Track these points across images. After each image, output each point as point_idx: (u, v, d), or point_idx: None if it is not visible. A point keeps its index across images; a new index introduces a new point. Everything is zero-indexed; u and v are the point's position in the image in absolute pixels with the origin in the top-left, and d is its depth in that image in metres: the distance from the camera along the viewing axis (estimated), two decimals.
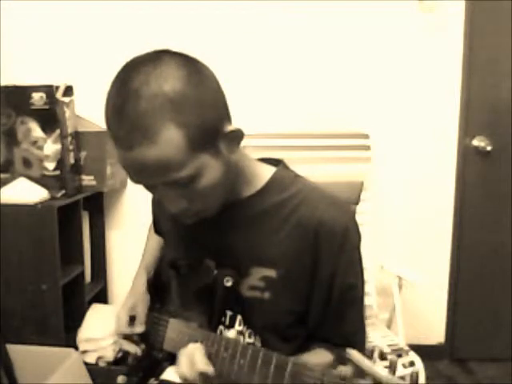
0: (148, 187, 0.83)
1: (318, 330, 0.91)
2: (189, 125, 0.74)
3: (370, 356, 1.68)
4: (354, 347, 0.88)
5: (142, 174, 0.77)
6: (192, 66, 0.78)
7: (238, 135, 0.82)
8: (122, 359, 1.15)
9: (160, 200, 0.84)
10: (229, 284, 0.88)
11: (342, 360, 0.64)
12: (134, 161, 0.75)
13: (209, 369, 0.79)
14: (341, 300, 0.89)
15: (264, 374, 0.72)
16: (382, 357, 1.77)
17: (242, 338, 0.90)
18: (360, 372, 0.61)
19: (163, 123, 0.72)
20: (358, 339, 0.93)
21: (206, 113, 0.76)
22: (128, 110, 0.72)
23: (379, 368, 0.61)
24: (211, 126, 0.77)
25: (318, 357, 0.88)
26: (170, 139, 0.73)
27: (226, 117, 0.81)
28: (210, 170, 0.79)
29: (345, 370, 0.62)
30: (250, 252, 0.90)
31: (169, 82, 0.73)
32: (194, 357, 0.80)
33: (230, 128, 0.80)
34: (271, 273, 0.88)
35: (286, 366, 0.69)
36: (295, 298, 0.89)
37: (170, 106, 0.72)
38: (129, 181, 2.64)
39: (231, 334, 0.88)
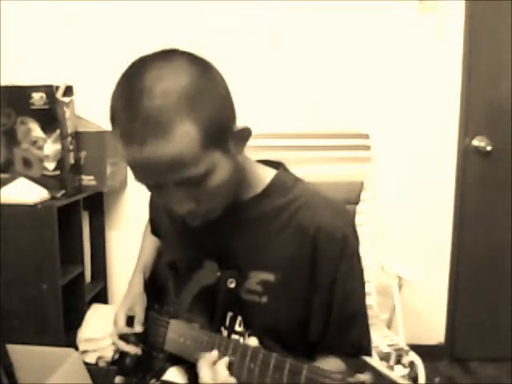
0: (154, 187, 0.80)
1: (322, 340, 0.89)
2: (203, 120, 0.73)
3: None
4: (360, 355, 0.87)
5: (153, 171, 0.74)
6: (202, 64, 0.78)
7: (246, 134, 0.82)
8: (118, 360, 1.14)
9: (167, 201, 0.81)
10: (232, 285, 0.88)
11: (360, 367, 0.62)
12: (146, 158, 0.72)
13: (232, 381, 0.77)
14: (343, 307, 0.88)
15: (277, 380, 0.70)
16: (382, 357, 1.77)
17: (241, 339, 0.90)
18: (379, 380, 0.59)
19: (179, 118, 0.71)
20: (363, 347, 0.91)
21: (218, 109, 0.76)
22: (142, 105, 0.70)
23: (398, 376, 0.60)
24: (223, 123, 0.77)
25: (330, 364, 0.86)
26: (185, 134, 0.72)
27: (234, 115, 0.81)
28: (220, 168, 0.78)
29: (364, 377, 0.60)
30: (248, 255, 0.90)
31: (182, 77, 0.73)
32: (217, 368, 0.79)
33: (238, 126, 0.80)
34: (269, 277, 0.87)
35: (300, 372, 0.67)
36: (294, 303, 0.88)
37: (185, 100, 0.71)
38: (129, 181, 2.61)
39: (252, 341, 0.85)
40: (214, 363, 0.80)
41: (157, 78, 0.72)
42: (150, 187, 0.82)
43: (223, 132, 0.77)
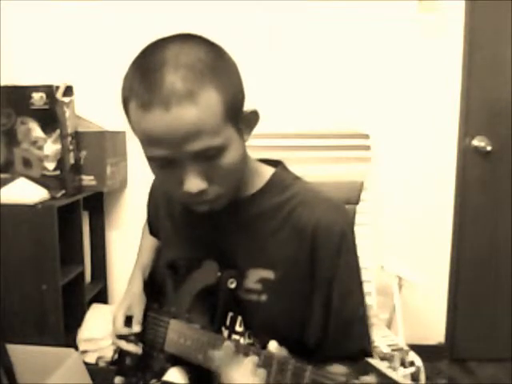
0: (165, 164, 0.78)
1: (322, 341, 0.88)
2: (225, 91, 0.76)
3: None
4: (361, 356, 0.86)
5: (173, 139, 0.74)
6: (216, 45, 0.81)
7: (254, 117, 0.86)
8: (118, 360, 1.14)
9: (177, 181, 0.79)
10: (233, 286, 0.88)
11: (363, 369, 0.62)
12: (170, 122, 0.72)
13: None
14: (342, 303, 0.87)
15: (280, 381, 0.70)
16: (382, 357, 1.77)
17: (242, 339, 0.90)
18: (384, 382, 0.59)
19: (204, 85, 0.73)
20: (364, 347, 0.90)
21: (235, 85, 0.80)
22: (167, 74, 0.72)
23: (401, 378, 0.59)
24: (238, 100, 0.81)
25: (334, 369, 0.86)
26: (209, 101, 0.74)
27: (244, 97, 0.83)
28: (234, 146, 0.80)
29: (369, 379, 0.60)
30: (247, 253, 0.90)
31: (201, 53, 0.76)
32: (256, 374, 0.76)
33: (247, 109, 0.83)
34: (269, 274, 0.87)
35: (304, 373, 0.67)
36: (293, 301, 0.88)
37: (208, 70, 0.75)
38: (129, 181, 2.60)
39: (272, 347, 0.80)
40: (254, 370, 0.76)
41: (178, 52, 0.75)
42: (160, 164, 0.80)
43: (238, 109, 0.81)
